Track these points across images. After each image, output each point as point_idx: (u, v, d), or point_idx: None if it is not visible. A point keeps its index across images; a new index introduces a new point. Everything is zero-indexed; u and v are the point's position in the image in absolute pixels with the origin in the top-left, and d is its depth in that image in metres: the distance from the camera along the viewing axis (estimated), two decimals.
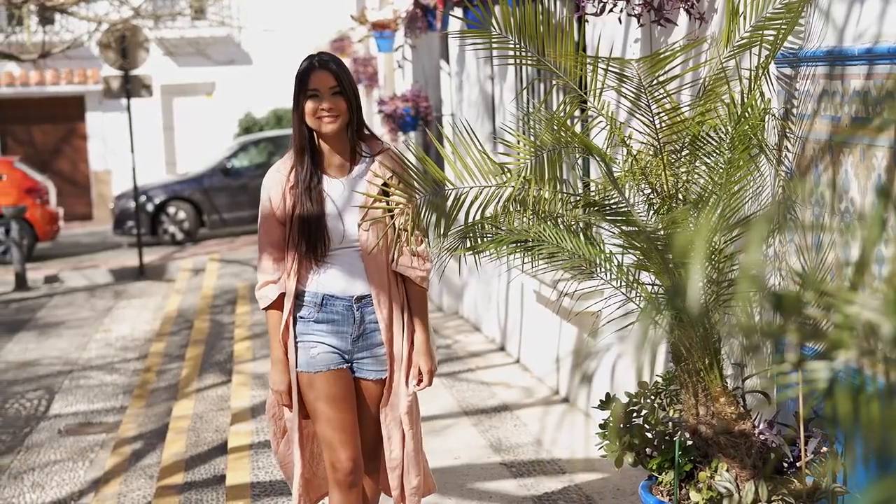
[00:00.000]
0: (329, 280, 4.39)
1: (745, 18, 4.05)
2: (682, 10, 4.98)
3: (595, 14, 5.07)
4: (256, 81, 26.86)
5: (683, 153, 3.91)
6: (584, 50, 6.62)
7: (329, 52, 17.33)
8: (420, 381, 4.48)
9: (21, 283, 16.21)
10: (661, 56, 3.55)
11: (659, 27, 5.18)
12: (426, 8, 9.93)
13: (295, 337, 4.45)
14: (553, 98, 6.92)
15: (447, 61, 11.13)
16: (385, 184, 4.33)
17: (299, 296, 4.43)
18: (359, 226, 4.34)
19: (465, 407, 7.60)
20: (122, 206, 20.51)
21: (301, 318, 4.44)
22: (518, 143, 4.15)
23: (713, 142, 3.81)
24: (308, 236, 4.32)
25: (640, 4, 5.14)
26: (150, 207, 20.62)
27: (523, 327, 8.61)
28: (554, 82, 4.05)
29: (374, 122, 13.74)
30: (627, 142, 3.96)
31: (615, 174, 4.01)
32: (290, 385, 4.45)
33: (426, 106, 11.48)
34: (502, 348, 9.28)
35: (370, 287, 4.39)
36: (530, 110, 4.57)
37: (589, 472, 5.97)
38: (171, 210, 20.80)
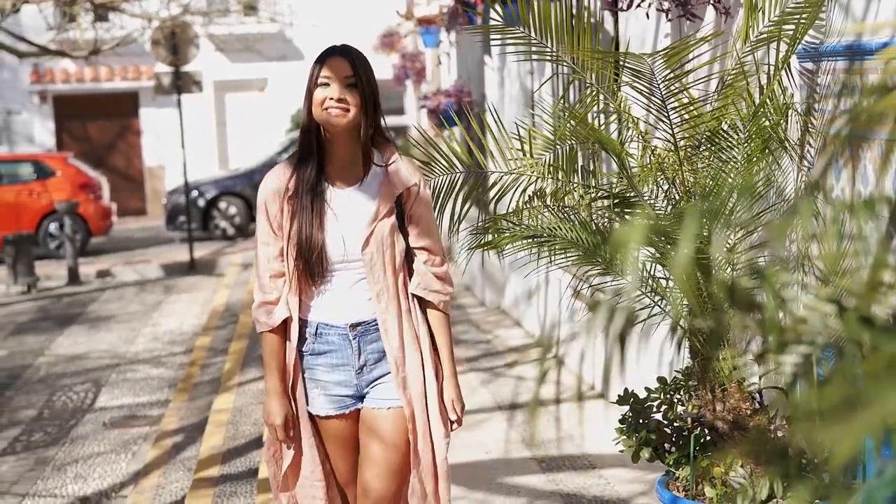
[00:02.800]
0: (323, 305, 3.87)
1: (764, 13, 4.04)
2: (709, 5, 4.97)
3: (621, 9, 5.06)
4: (306, 78, 26.97)
5: (702, 149, 3.91)
6: (618, 45, 6.61)
7: (379, 45, 17.35)
8: (454, 421, 3.94)
9: (74, 277, 16.43)
10: (675, 51, 3.55)
11: (688, 22, 5.17)
12: (467, 4, 9.94)
13: (303, 373, 3.94)
14: (573, 94, 6.92)
15: (490, 56, 11.14)
16: (399, 197, 3.85)
17: (302, 325, 3.91)
18: (364, 243, 3.80)
19: (500, 401, 7.63)
20: (174, 202, 20.70)
21: (302, 352, 3.92)
22: (534, 137, 4.16)
23: (731, 137, 3.80)
24: (305, 253, 3.79)
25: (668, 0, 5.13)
26: (201, 203, 20.82)
27: (561, 323, 8.61)
28: (571, 78, 4.06)
29: (422, 117, 13.78)
30: (645, 137, 3.96)
31: (634, 169, 4.01)
32: (289, 418, 3.90)
33: (469, 101, 11.50)
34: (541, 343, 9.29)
35: (376, 313, 3.83)
36: (554, 106, 4.56)
37: (619, 468, 5.97)
38: (223, 205, 20.99)
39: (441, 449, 3.90)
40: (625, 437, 4.10)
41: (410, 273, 3.92)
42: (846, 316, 1.28)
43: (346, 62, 3.79)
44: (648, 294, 3.74)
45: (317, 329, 3.87)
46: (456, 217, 4.44)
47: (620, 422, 4.21)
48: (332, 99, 3.75)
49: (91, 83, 26.55)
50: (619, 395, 4.20)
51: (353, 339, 3.86)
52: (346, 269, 3.83)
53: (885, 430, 0.95)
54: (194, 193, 20.43)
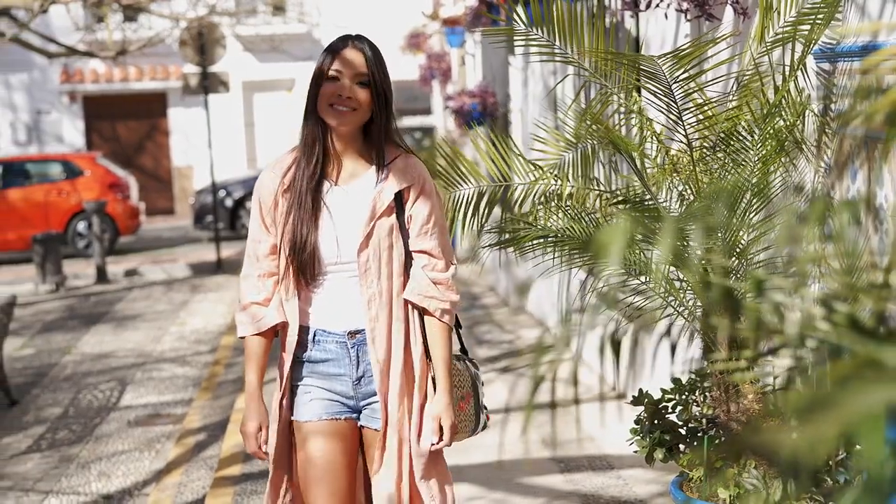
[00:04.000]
0: (320, 311, 3.60)
1: (779, 14, 4.03)
2: (727, 5, 4.96)
3: (640, 10, 5.05)
4: None
5: (716, 150, 3.90)
6: (639, 45, 6.60)
7: (406, 46, 17.32)
8: (440, 439, 3.60)
9: (101, 276, 16.54)
10: (686, 52, 3.55)
11: (707, 22, 5.16)
12: (490, 4, 9.95)
13: (291, 380, 3.65)
14: (589, 95, 6.92)
15: (514, 56, 11.14)
16: (399, 195, 3.58)
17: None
18: (361, 245, 3.54)
19: (521, 402, 7.63)
20: (202, 201, 20.81)
21: (297, 358, 3.64)
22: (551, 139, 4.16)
23: (745, 139, 3.79)
24: (296, 255, 3.53)
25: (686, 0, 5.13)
26: (228, 202, 20.92)
27: (584, 323, 8.59)
28: (585, 79, 4.06)
29: (448, 117, 13.79)
30: (659, 138, 3.96)
31: (650, 170, 4.01)
32: (262, 427, 3.65)
33: (493, 101, 11.51)
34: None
35: (367, 321, 3.56)
36: (568, 107, 4.56)
37: (637, 469, 5.97)
38: (250, 205, 21.07)
39: (417, 469, 3.60)
40: (639, 437, 4.10)
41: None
42: (834, 318, 1.28)
43: (360, 57, 3.50)
44: (662, 294, 3.75)
45: (314, 335, 3.60)
46: (480, 221, 4.42)
47: (636, 422, 4.21)
48: (340, 96, 3.48)
49: (120, 83, 26.71)
50: (633, 396, 4.20)
51: (352, 347, 3.59)
52: (341, 271, 3.57)
53: (846, 432, 0.96)
54: (222, 193, 20.53)
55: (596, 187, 4.05)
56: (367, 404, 3.64)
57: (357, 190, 3.60)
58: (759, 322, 1.40)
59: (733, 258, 3.34)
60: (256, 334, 3.63)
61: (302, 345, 3.61)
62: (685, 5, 5.14)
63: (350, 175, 3.61)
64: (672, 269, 3.94)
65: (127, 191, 19.95)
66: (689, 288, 3.57)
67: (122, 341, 12.02)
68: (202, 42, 16.92)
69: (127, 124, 27.43)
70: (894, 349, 1.04)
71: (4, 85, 26.59)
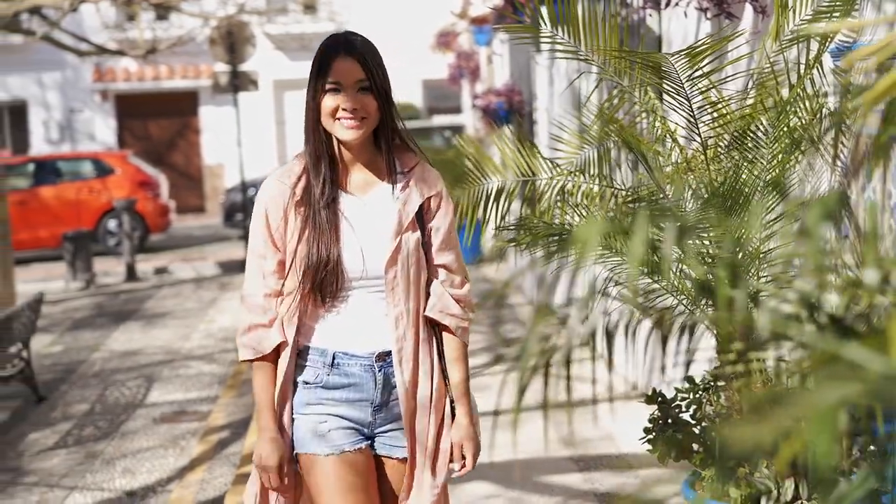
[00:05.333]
0: (341, 331, 3.33)
1: (795, 12, 4.01)
2: (747, 3, 4.95)
3: (658, 8, 5.05)
4: None
5: (730, 149, 3.89)
6: (661, 45, 6.59)
7: (436, 44, 17.27)
8: (463, 465, 3.43)
9: (131, 274, 16.65)
10: (696, 50, 3.54)
11: (727, 20, 5.15)
12: (515, 3, 9.94)
13: (291, 409, 3.38)
14: (604, 93, 6.91)
15: (539, 53, 11.13)
16: (422, 206, 3.37)
17: (300, 353, 3.37)
18: (390, 259, 3.30)
19: (539, 400, 7.61)
20: (232, 200, 20.90)
21: (305, 383, 3.36)
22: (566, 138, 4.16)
23: (759, 138, 3.78)
24: (316, 270, 3.25)
25: None
26: None
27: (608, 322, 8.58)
28: (599, 77, 4.06)
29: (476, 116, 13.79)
30: (673, 136, 3.96)
31: (667, 169, 4.00)
32: (283, 461, 3.32)
33: (519, 100, 11.51)
34: (588, 343, 9.26)
35: (394, 341, 3.32)
36: (583, 105, 4.56)
37: (655, 468, 5.94)
38: None
39: (427, 497, 3.38)
40: (652, 436, 4.10)
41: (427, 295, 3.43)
42: (809, 315, 1.28)
43: (355, 63, 3.24)
44: (674, 292, 3.74)
45: (333, 358, 3.33)
46: (498, 218, 4.41)
47: (649, 421, 4.20)
48: (344, 109, 3.24)
49: (152, 82, 26.89)
50: (646, 395, 4.20)
51: (379, 370, 3.34)
52: (364, 287, 3.32)
53: (791, 429, 0.96)
54: (252, 191, 20.60)
55: (611, 185, 4.05)
56: (383, 431, 3.40)
57: (375, 200, 3.36)
58: (739, 317, 1.40)
59: (745, 257, 3.33)
60: (260, 358, 3.34)
61: (317, 368, 3.34)
62: (705, 4, 5.13)
63: (365, 183, 3.36)
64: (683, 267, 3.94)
65: (157, 189, 20.09)
66: (685, 285, 3.56)
67: (150, 339, 12.10)
68: (232, 41, 17.00)
69: (158, 123, 27.60)
70: (857, 346, 1.04)
71: (38, 84, 26.80)
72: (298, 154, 3.42)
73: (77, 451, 7.87)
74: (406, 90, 26.65)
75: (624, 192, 4.14)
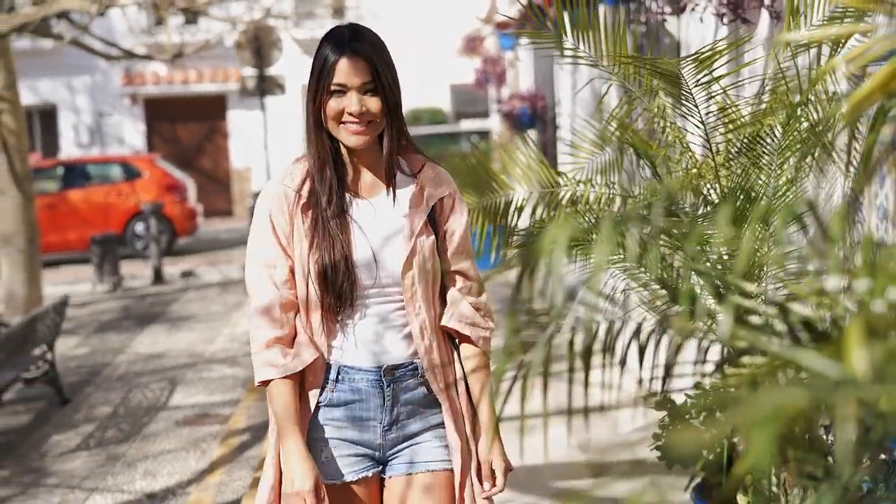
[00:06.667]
0: (348, 343, 3.08)
1: (806, 18, 4.00)
2: (763, 8, 4.94)
3: (673, 13, 5.05)
4: None
5: (740, 155, 3.88)
6: (679, 50, 6.58)
7: (463, 49, 17.24)
8: (494, 483, 3.20)
9: (158, 277, 16.74)
10: (703, 56, 3.54)
11: (743, 25, 5.14)
12: (534, 7, 9.96)
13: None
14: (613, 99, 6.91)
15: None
16: (434, 208, 3.16)
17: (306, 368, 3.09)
18: (405, 264, 3.07)
19: (560, 406, 7.61)
20: None
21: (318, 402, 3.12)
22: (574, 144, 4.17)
23: (768, 144, 3.77)
24: (329, 278, 3.01)
25: (723, 4, 5.11)
26: None
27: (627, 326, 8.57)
28: (605, 81, 4.06)
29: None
30: (683, 141, 3.95)
31: (678, 175, 4.00)
32: (319, 482, 3.02)
33: (542, 105, 11.51)
34: (608, 348, 9.25)
35: (417, 353, 3.10)
36: (595, 111, 4.56)
37: (671, 475, 5.93)
38: None
39: None
40: (661, 442, 4.09)
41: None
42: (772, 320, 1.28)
43: (363, 63, 2.99)
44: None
45: (338, 373, 3.08)
46: (509, 226, 4.41)
47: (659, 427, 4.19)
48: (350, 114, 3.00)
49: (180, 85, 27.02)
50: (656, 401, 4.18)
51: (388, 385, 3.09)
52: (378, 296, 3.08)
53: (732, 436, 0.96)
54: None
55: (620, 191, 4.04)
56: (396, 453, 3.17)
57: (384, 203, 3.13)
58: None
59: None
60: (286, 377, 3.01)
61: (321, 385, 3.10)
62: (721, 9, 5.13)
63: (372, 186, 3.14)
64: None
65: (184, 193, 20.19)
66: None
67: (175, 342, 12.16)
68: (258, 45, 17.09)
69: (187, 126, 27.75)
70: (813, 353, 1.04)
71: (68, 87, 27.00)
72: (299, 157, 3.19)
73: (99, 453, 7.92)
74: (434, 95, 26.71)
75: (632, 198, 4.13)
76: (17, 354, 8.71)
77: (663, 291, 1.85)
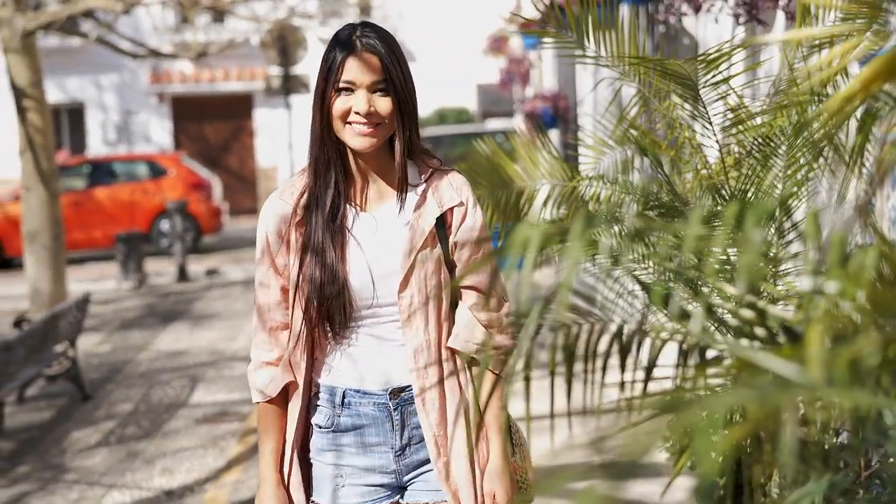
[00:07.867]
0: (349, 366, 2.90)
1: (817, 19, 3.98)
2: (778, 9, 4.92)
3: (685, 14, 5.04)
4: (419, 79, 27.17)
5: (749, 156, 3.87)
6: (697, 50, 6.57)
7: (488, 49, 17.26)
8: None
9: (182, 274, 16.81)
10: (711, 56, 3.52)
11: (759, 26, 5.13)
12: (559, 7, 9.96)
13: (307, 452, 2.99)
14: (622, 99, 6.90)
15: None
16: (441, 219, 2.89)
17: (316, 392, 2.96)
18: (403, 282, 2.85)
19: (576, 406, 7.60)
20: None
21: (319, 427, 2.95)
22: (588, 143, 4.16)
23: (778, 146, 3.75)
24: (322, 296, 2.82)
25: (739, 4, 5.10)
26: None
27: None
28: (616, 81, 4.05)
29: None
30: (692, 143, 3.94)
31: (688, 176, 3.99)
32: None
33: (564, 105, 11.50)
34: (626, 348, 9.23)
35: (413, 378, 2.88)
36: (605, 111, 4.56)
37: (685, 476, 5.92)
38: None
39: None
40: (668, 444, 4.08)
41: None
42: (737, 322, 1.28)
43: (375, 59, 2.77)
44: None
45: (343, 397, 2.91)
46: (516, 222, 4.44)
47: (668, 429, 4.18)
48: (357, 113, 2.77)
49: (207, 84, 27.15)
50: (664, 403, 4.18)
51: (395, 409, 2.90)
52: (376, 316, 2.88)
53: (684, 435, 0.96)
54: None
55: (631, 191, 4.04)
56: (414, 477, 2.98)
57: (389, 216, 2.90)
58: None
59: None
60: (268, 401, 2.92)
61: (326, 408, 2.94)
62: (737, 10, 5.11)
63: (377, 198, 2.91)
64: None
65: (210, 191, 20.27)
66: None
67: (197, 339, 12.21)
68: (283, 44, 17.15)
69: (213, 125, 27.88)
70: (774, 355, 1.03)
71: (95, 86, 27.17)
72: (303, 168, 2.95)
73: (119, 449, 7.97)
74: (461, 94, 26.71)
75: (643, 198, 4.13)
76: (40, 351, 8.77)
77: (643, 292, 1.85)
